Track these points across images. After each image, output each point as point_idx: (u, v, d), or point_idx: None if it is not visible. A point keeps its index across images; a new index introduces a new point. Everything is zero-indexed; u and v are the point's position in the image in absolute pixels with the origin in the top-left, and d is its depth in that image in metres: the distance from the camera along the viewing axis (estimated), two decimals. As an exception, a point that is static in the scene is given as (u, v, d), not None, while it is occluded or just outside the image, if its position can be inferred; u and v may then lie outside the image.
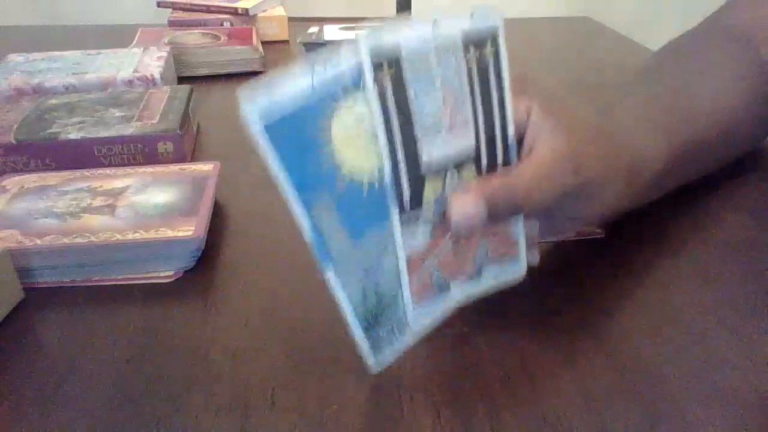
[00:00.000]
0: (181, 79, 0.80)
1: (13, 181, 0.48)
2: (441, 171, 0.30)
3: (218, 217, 0.48)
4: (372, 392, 0.32)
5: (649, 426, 0.30)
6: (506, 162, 0.32)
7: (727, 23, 0.54)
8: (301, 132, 0.25)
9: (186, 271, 0.42)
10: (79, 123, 0.55)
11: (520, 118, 0.31)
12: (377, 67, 0.26)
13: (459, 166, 0.30)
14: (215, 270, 0.42)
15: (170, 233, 0.41)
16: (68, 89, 0.68)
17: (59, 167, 0.53)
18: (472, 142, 0.30)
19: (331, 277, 0.28)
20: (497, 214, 0.30)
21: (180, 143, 0.55)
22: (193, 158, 0.59)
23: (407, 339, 0.32)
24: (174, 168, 0.50)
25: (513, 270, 0.36)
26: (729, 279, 0.41)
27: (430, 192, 0.30)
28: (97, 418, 0.30)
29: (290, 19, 1.03)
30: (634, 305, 0.39)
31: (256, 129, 0.24)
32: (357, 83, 0.26)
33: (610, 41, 1.04)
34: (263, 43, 0.96)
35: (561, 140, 0.31)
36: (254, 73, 0.84)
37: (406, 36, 0.27)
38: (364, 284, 0.29)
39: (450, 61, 0.29)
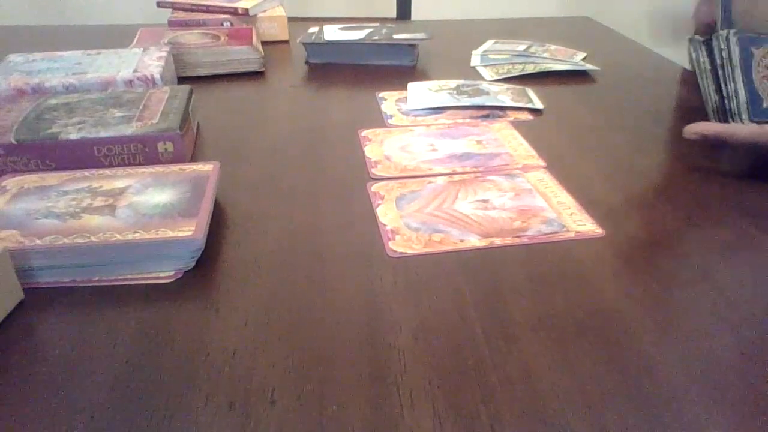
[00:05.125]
0: (181, 79, 0.80)
1: (13, 181, 0.48)
2: None
3: (218, 217, 0.48)
4: (372, 392, 0.32)
5: (649, 426, 0.30)
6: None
7: None
8: None
9: (186, 271, 0.42)
10: (79, 123, 0.55)
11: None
12: None
13: None
14: (215, 270, 0.42)
15: (170, 233, 0.41)
16: (68, 89, 0.68)
17: (59, 167, 0.53)
18: None
19: None
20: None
21: (180, 143, 0.55)
22: (193, 158, 0.59)
23: None
24: (174, 168, 0.50)
25: None
26: (729, 279, 0.41)
27: None
28: (98, 418, 0.30)
29: (290, 19, 1.03)
30: (634, 305, 0.39)
31: None
32: None
33: (610, 41, 1.04)
34: (263, 43, 0.96)
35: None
36: (254, 73, 0.84)
37: None
38: None
39: None
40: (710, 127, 0.55)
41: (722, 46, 0.56)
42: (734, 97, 0.55)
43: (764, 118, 0.54)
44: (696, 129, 0.56)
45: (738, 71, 0.55)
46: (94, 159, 0.54)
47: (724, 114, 0.57)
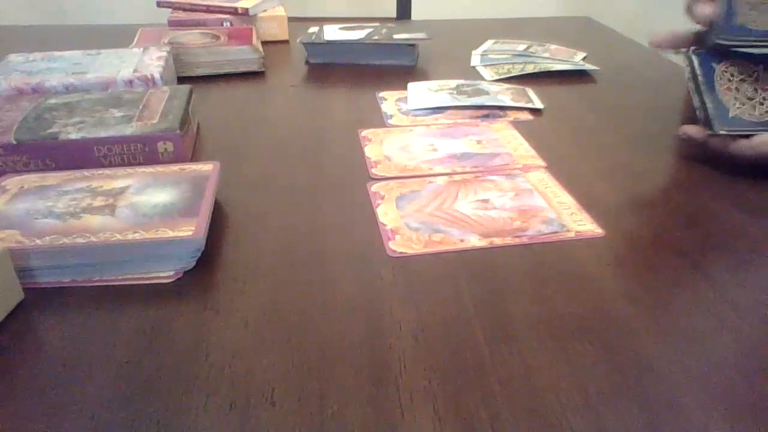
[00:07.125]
0: (181, 79, 0.80)
1: (13, 181, 0.48)
2: None
3: (218, 217, 0.48)
4: (372, 392, 0.32)
5: (649, 426, 0.30)
6: None
7: None
8: None
9: (186, 272, 0.42)
10: (79, 123, 0.55)
11: None
12: None
13: None
14: (215, 270, 0.42)
15: (170, 233, 0.41)
16: (68, 89, 0.68)
17: (59, 167, 0.53)
18: None
19: None
20: None
21: (180, 143, 0.55)
22: (193, 158, 0.59)
23: None
24: (174, 168, 0.50)
25: None
26: (729, 279, 0.41)
27: None
28: (97, 418, 0.30)
29: (290, 19, 1.03)
30: (635, 305, 0.39)
31: None
32: None
33: (610, 41, 1.04)
34: (263, 43, 0.96)
35: None
36: (254, 73, 0.84)
37: None
38: None
39: None
40: (696, 131, 0.59)
41: (686, 64, 0.59)
42: (701, 110, 0.58)
43: (732, 126, 0.56)
44: (685, 130, 0.59)
45: (697, 86, 0.58)
46: (94, 159, 0.54)
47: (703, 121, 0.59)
